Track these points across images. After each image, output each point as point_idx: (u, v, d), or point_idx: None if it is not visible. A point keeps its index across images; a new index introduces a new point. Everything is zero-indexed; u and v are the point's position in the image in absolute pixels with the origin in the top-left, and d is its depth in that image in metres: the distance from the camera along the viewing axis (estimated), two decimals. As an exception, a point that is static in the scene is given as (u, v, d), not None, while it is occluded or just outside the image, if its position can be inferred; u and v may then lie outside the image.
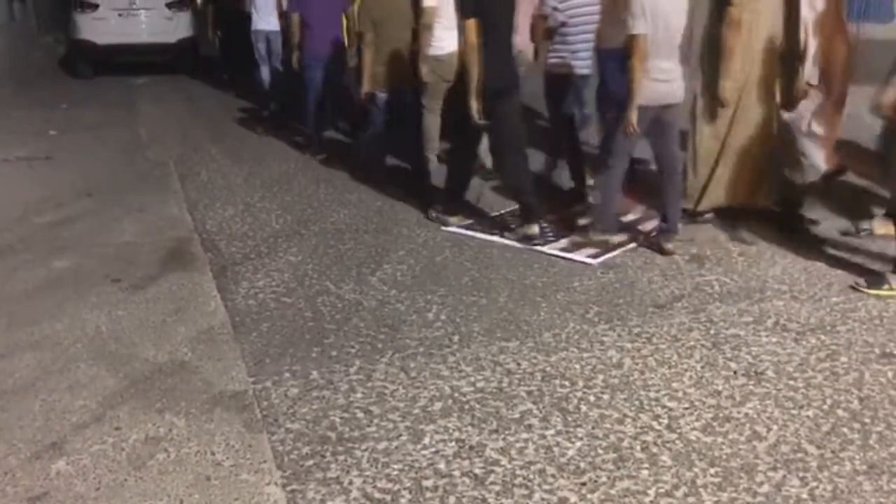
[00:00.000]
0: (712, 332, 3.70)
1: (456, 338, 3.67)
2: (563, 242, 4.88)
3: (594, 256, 4.65)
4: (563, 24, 5.20)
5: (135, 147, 7.82)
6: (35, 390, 3.21)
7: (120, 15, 12.46)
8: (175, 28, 12.87)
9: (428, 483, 2.61)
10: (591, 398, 3.13)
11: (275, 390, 3.21)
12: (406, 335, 3.70)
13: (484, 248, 4.85)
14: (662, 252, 4.65)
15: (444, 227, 5.17)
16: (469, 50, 4.73)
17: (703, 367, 3.37)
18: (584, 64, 5.30)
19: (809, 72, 4.96)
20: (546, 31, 5.40)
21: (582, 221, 5.07)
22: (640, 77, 4.36)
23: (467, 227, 5.18)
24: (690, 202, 5.12)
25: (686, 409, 3.05)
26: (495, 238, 4.98)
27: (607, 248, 4.76)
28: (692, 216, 5.11)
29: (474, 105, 4.75)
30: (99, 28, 12.40)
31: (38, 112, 9.55)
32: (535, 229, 4.91)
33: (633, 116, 4.40)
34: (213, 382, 3.28)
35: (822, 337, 3.64)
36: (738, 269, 4.44)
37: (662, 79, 4.47)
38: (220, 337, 3.70)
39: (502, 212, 5.48)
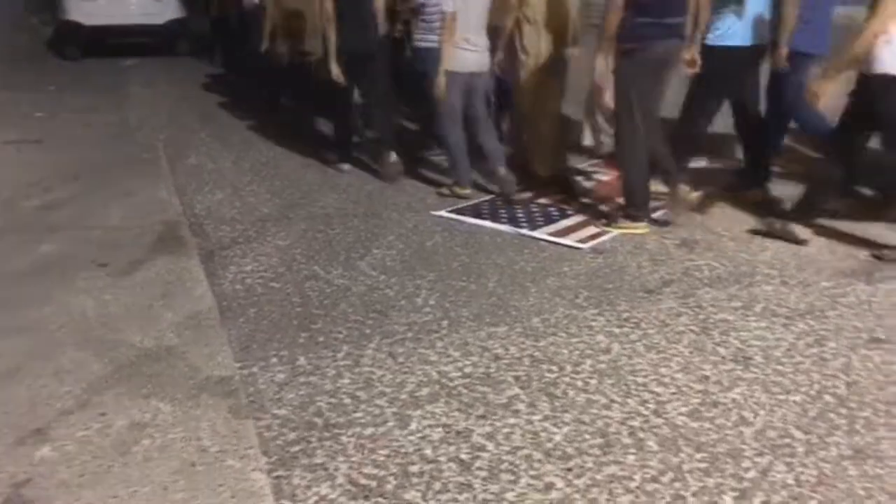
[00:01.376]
0: (701, 317, 3.70)
1: (444, 323, 3.66)
2: (552, 227, 4.87)
3: (584, 241, 4.64)
4: (423, 5, 5.63)
5: (123, 130, 7.77)
6: (20, 375, 3.18)
7: None
8: (164, 9, 12.78)
9: (414, 469, 2.60)
10: (579, 383, 3.12)
11: (261, 376, 3.19)
12: (394, 320, 3.68)
13: (474, 232, 4.83)
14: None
15: (433, 212, 5.17)
16: (325, 20, 5.73)
17: (691, 353, 3.37)
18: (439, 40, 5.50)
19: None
20: (411, 9, 6.18)
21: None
22: (447, 48, 5.21)
23: (458, 212, 5.17)
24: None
25: (673, 394, 3.05)
26: (486, 223, 4.97)
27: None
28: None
29: (334, 69, 5.74)
30: (87, 9, 12.30)
31: (26, 95, 9.47)
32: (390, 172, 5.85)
33: (442, 81, 5.25)
34: (200, 368, 3.26)
35: (811, 322, 3.64)
36: (727, 254, 4.44)
37: (472, 49, 5.31)
38: (207, 322, 3.68)
39: (492, 196, 5.48)
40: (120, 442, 2.75)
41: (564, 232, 4.79)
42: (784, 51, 4.98)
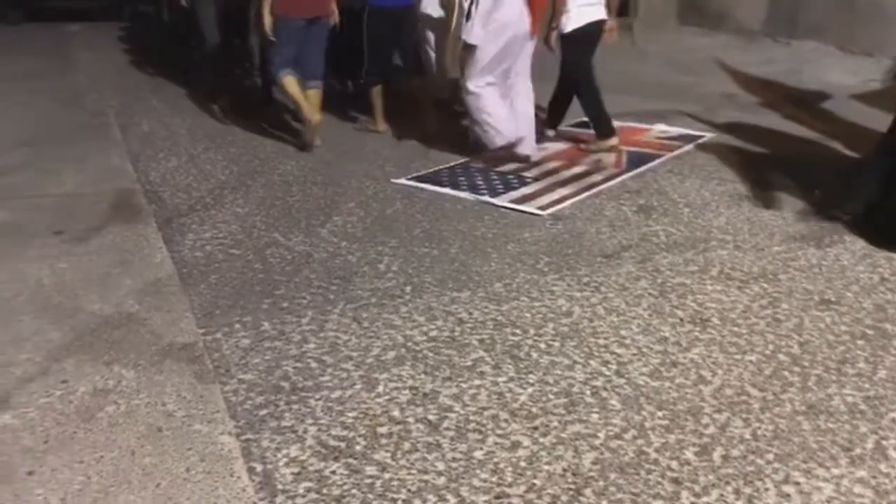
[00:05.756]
0: (659, 280, 3.77)
1: (408, 288, 3.67)
2: (512, 194, 4.90)
3: (544, 208, 4.69)
4: None
5: (72, 97, 7.57)
6: (-24, 344, 3.12)
7: None
8: (110, -26, 12.40)
9: (383, 430, 2.63)
10: (542, 346, 3.18)
11: (225, 341, 3.18)
12: (358, 286, 3.69)
13: (435, 200, 4.84)
14: None
15: (393, 180, 5.16)
16: None
17: (650, 315, 3.44)
18: None
19: None
20: None
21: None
22: None
23: (418, 179, 5.17)
24: None
25: (634, 355, 3.12)
26: (447, 190, 4.98)
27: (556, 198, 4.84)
28: None
29: None
30: (30, -28, 11.88)
31: (-33, 60, 9.15)
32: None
33: None
34: (162, 334, 3.23)
35: (765, 285, 3.74)
36: (683, 220, 4.53)
37: None
38: (168, 289, 3.64)
39: (453, 164, 5.48)
40: (83, 408, 2.72)
41: (524, 199, 4.83)
42: None
